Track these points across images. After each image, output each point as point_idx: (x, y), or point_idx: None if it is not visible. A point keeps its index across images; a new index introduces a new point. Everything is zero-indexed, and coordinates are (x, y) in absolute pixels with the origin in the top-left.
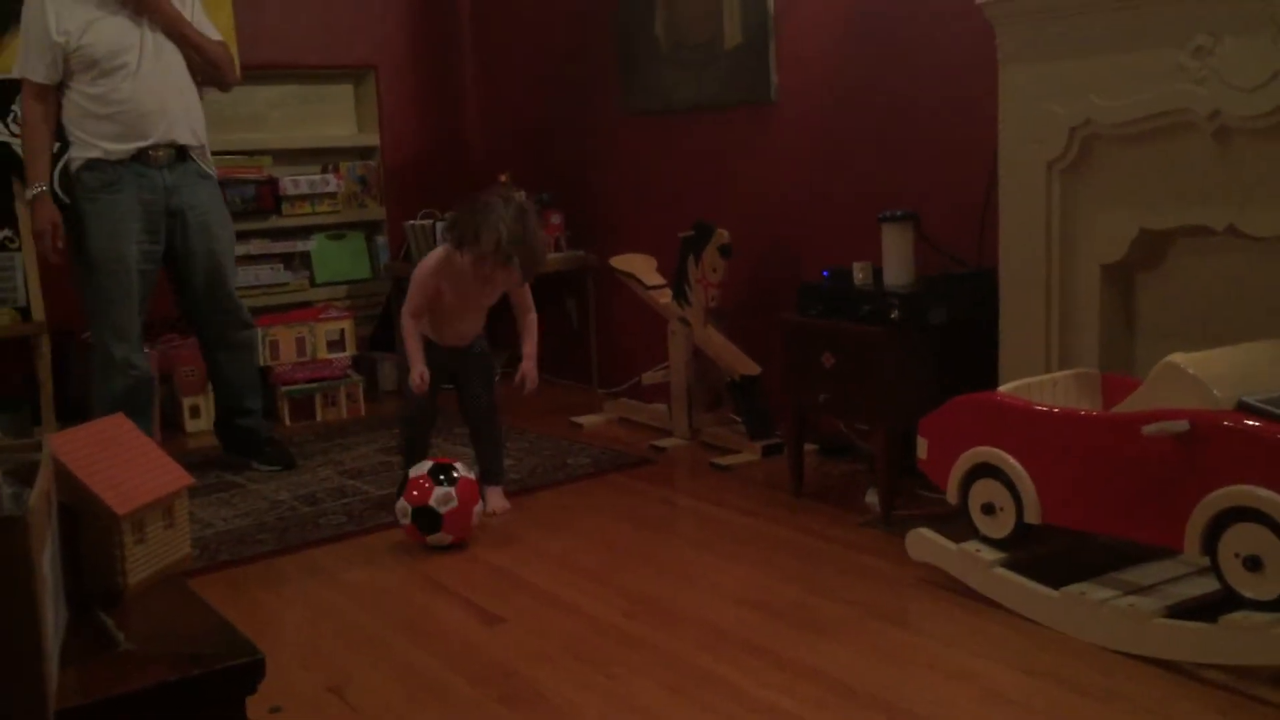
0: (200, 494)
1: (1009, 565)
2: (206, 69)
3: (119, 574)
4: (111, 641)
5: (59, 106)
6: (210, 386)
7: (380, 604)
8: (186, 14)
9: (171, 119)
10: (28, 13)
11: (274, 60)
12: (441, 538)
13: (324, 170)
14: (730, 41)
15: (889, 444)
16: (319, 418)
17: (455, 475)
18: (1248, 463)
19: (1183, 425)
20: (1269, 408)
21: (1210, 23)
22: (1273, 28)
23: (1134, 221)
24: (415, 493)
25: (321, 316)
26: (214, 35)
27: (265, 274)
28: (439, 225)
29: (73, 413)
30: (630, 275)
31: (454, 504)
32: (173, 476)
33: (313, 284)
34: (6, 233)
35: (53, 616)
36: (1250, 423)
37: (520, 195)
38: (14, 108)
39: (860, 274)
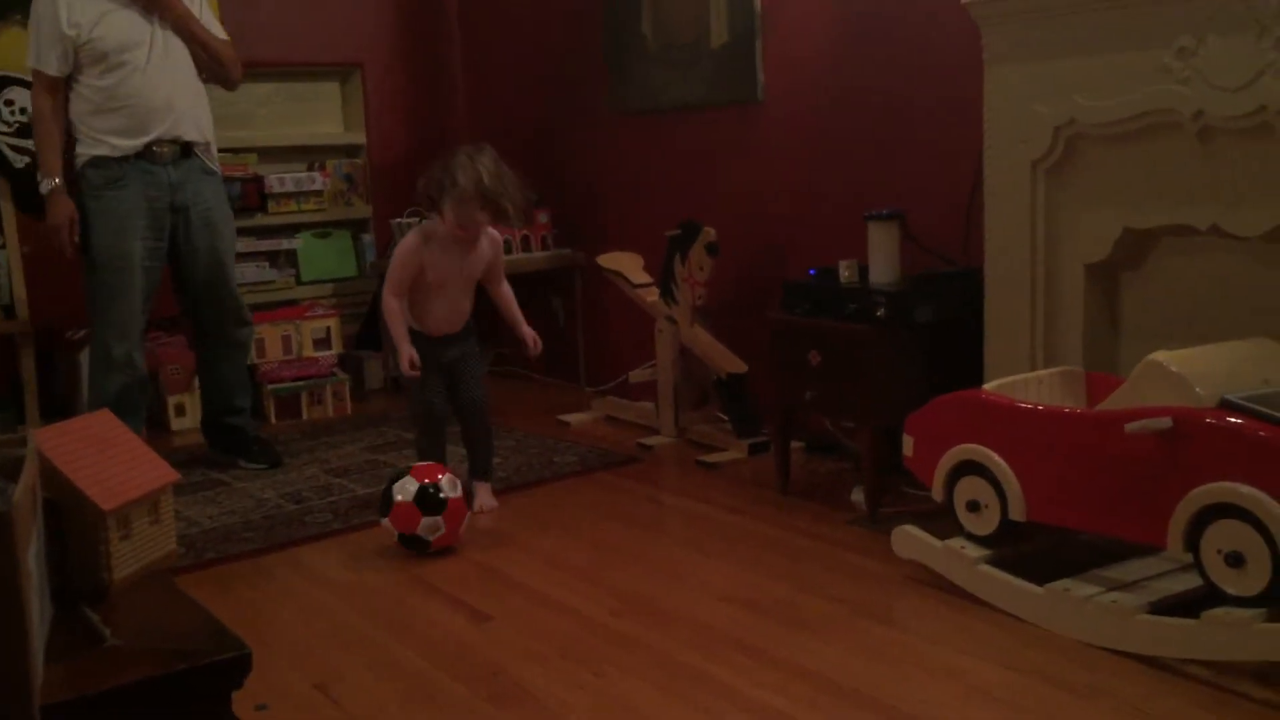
0: (186, 492)
1: (994, 562)
2: (213, 67)
3: (104, 570)
4: (97, 637)
5: (69, 95)
6: (197, 384)
7: (368, 602)
8: (195, 12)
9: (177, 115)
10: (38, 6)
11: (260, 58)
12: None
13: (310, 168)
14: (717, 41)
15: (875, 442)
16: (305, 416)
17: (443, 498)
18: (1230, 460)
19: (1166, 423)
20: (1252, 405)
21: (1194, 23)
22: (1256, 28)
23: (1118, 221)
24: (402, 519)
25: (307, 315)
26: (221, 35)
27: (251, 272)
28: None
29: (58, 413)
30: (617, 273)
31: (441, 531)
32: (158, 472)
33: (299, 282)
34: None
35: (38, 611)
36: (1233, 420)
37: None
38: None
39: (846, 272)
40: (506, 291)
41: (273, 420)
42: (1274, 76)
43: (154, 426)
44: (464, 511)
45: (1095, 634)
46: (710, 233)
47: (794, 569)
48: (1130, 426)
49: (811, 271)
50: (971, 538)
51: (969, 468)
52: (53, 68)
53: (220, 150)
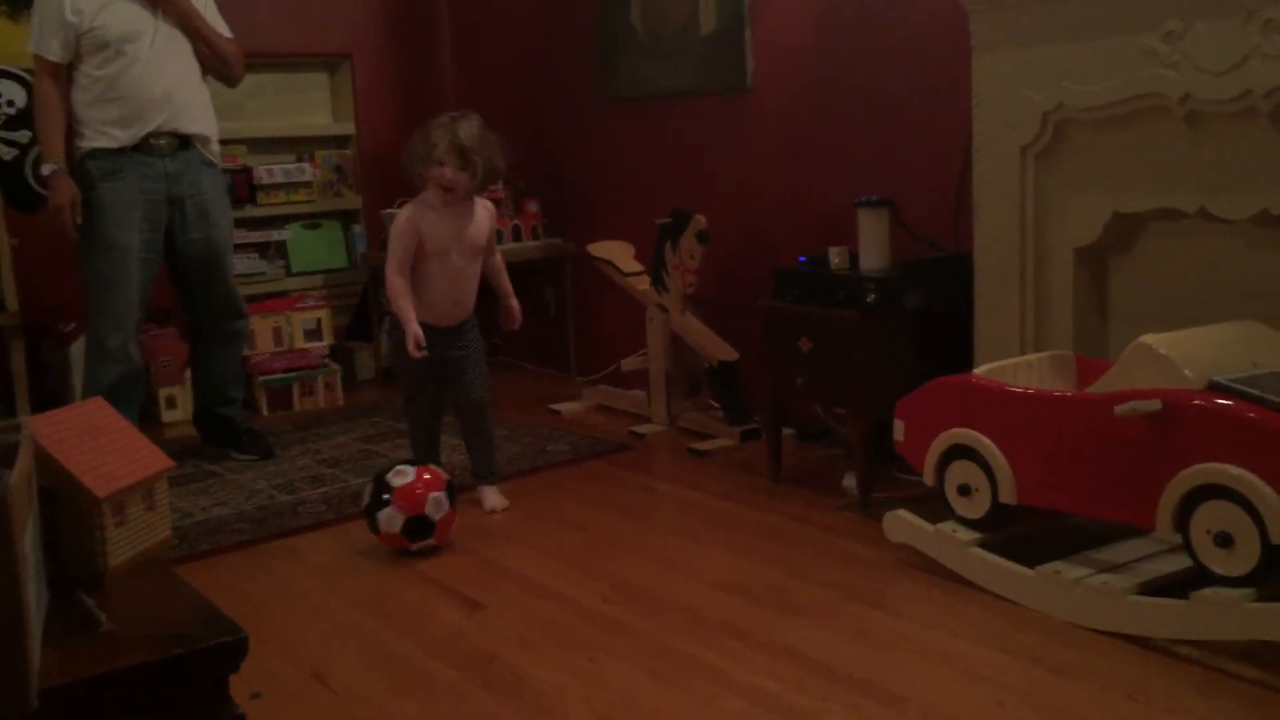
0: (179, 484)
1: (985, 545)
2: (216, 64)
3: (100, 556)
4: (94, 622)
5: (70, 86)
6: (189, 377)
7: (361, 592)
8: (199, 7)
9: (176, 107)
10: None
11: (248, 49)
12: (393, 519)
13: (299, 159)
14: (706, 29)
15: (866, 428)
16: (296, 407)
17: (431, 523)
18: (1219, 441)
19: (1155, 405)
20: (1239, 387)
21: (1181, 8)
22: (1242, 12)
23: (1107, 205)
24: (391, 542)
25: (298, 306)
26: (225, 33)
27: (241, 264)
28: None
29: (49, 407)
30: (608, 262)
31: (431, 542)
32: (153, 459)
33: (289, 273)
34: None
35: (34, 596)
36: (1221, 402)
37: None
38: None
39: (837, 259)
40: (498, 261)
41: (264, 412)
42: (1260, 60)
43: (145, 419)
44: (453, 520)
45: (1086, 615)
46: (701, 221)
47: (786, 555)
48: (1120, 409)
49: (802, 259)
50: (962, 521)
51: (960, 452)
52: (54, 54)
53: None
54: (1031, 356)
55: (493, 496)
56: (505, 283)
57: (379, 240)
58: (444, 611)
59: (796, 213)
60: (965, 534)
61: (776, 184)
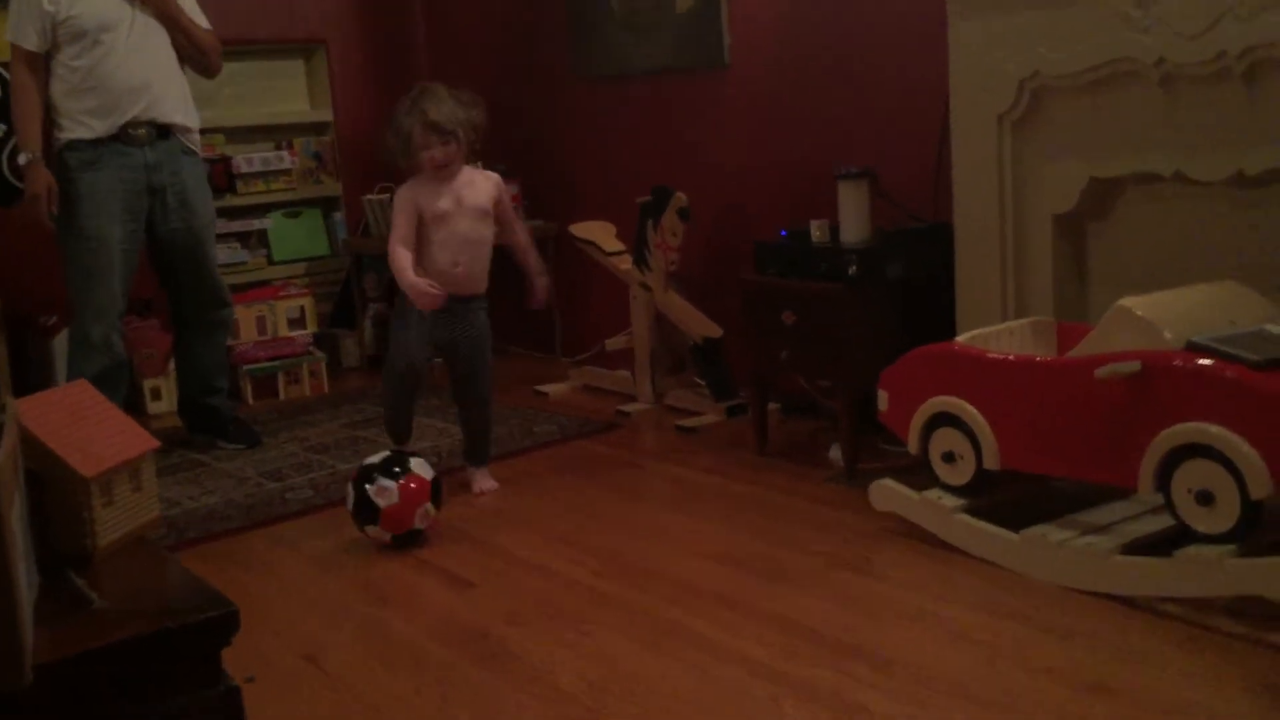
0: (166, 473)
1: (970, 511)
2: (194, 55)
3: (88, 537)
4: (84, 601)
5: (48, 77)
6: (172, 368)
7: (351, 574)
8: None
9: (154, 97)
10: None
11: (223, 37)
12: (380, 534)
13: (278, 147)
14: (682, 5)
15: (850, 399)
16: (282, 396)
17: (420, 530)
18: (1198, 401)
19: (1134, 366)
20: (1217, 346)
21: None
22: None
23: (1084, 171)
24: (380, 542)
25: (281, 294)
26: (203, 23)
27: (223, 253)
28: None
29: None
30: (590, 243)
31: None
32: (139, 440)
33: (270, 262)
34: None
35: (25, 574)
36: (1200, 361)
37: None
38: None
39: (818, 232)
40: (521, 237)
41: (250, 401)
42: (1233, 21)
43: (130, 411)
44: (439, 516)
45: (1071, 577)
46: (681, 198)
47: (773, 526)
48: (1100, 371)
49: (783, 233)
50: (948, 488)
51: (943, 419)
52: (31, 42)
53: None
54: (1013, 323)
55: (483, 479)
56: (532, 260)
57: (360, 227)
58: (435, 591)
59: (777, 187)
60: (950, 500)
61: (756, 159)
